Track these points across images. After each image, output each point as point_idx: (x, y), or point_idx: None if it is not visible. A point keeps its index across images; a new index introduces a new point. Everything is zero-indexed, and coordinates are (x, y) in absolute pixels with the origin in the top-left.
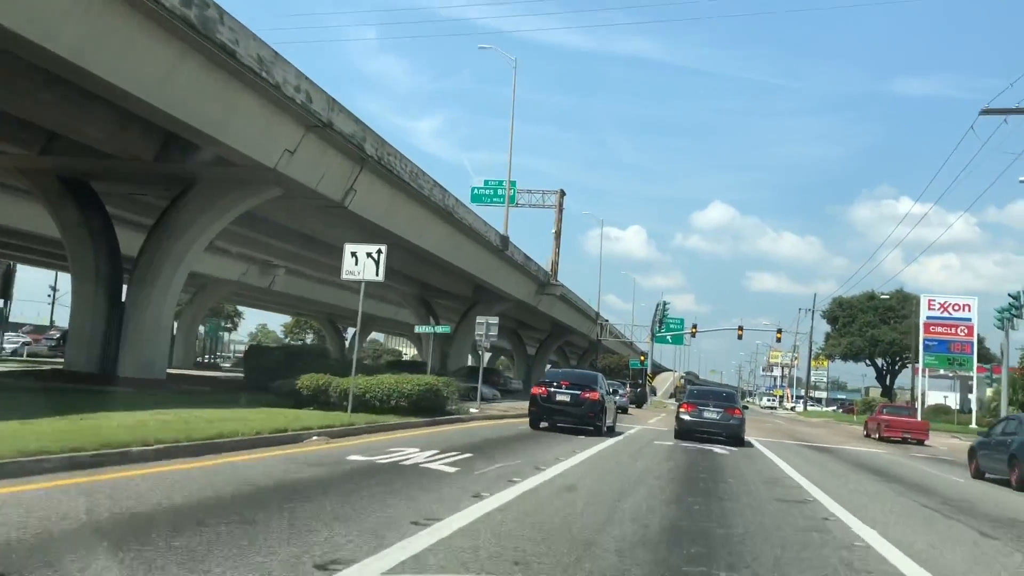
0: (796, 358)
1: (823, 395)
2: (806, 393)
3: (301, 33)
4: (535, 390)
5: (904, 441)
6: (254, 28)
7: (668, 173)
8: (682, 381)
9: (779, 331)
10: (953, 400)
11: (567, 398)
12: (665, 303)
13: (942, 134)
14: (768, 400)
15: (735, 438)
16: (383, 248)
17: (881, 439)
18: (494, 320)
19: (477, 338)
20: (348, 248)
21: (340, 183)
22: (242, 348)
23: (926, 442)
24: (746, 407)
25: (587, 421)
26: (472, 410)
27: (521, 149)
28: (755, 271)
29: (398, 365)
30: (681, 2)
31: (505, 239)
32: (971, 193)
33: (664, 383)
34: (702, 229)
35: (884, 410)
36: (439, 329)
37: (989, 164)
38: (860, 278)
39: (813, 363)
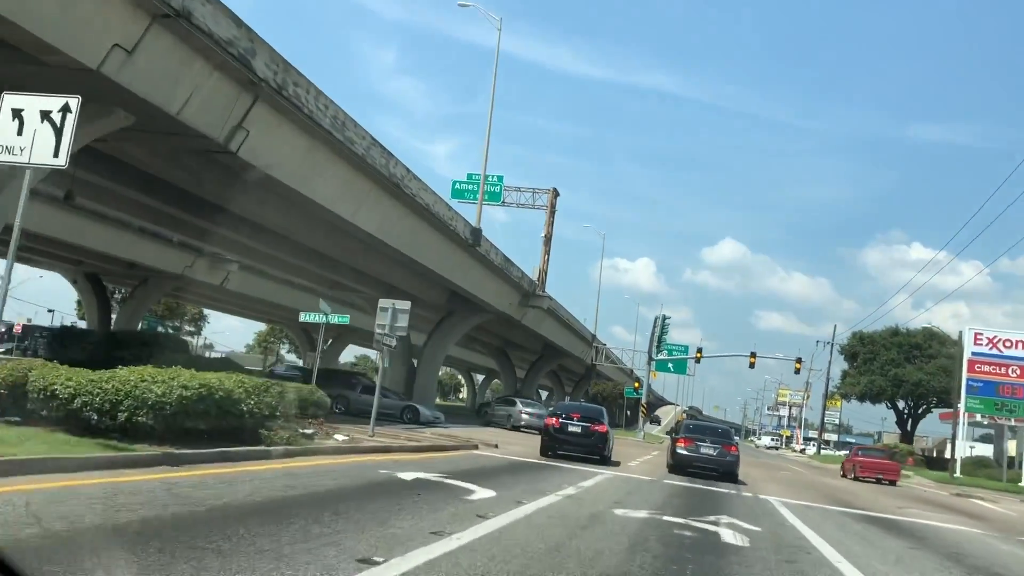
0: (808, 396)
1: (832, 437)
2: (820, 435)
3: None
4: (548, 421)
5: (878, 482)
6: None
7: (680, 207)
8: (684, 416)
9: (798, 360)
10: (980, 450)
11: (578, 429)
12: (665, 318)
13: (958, 182)
14: (771, 440)
15: (730, 475)
16: None
17: (856, 479)
18: (404, 305)
19: (377, 332)
20: None
21: (220, 115)
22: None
23: (898, 483)
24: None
25: (596, 452)
26: (338, 437)
27: (533, 175)
28: (763, 309)
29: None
30: (701, 38)
31: (477, 232)
32: (984, 241)
33: (666, 416)
34: (712, 265)
35: (859, 452)
36: (334, 318)
37: (1007, 212)
38: (869, 323)
39: (828, 403)
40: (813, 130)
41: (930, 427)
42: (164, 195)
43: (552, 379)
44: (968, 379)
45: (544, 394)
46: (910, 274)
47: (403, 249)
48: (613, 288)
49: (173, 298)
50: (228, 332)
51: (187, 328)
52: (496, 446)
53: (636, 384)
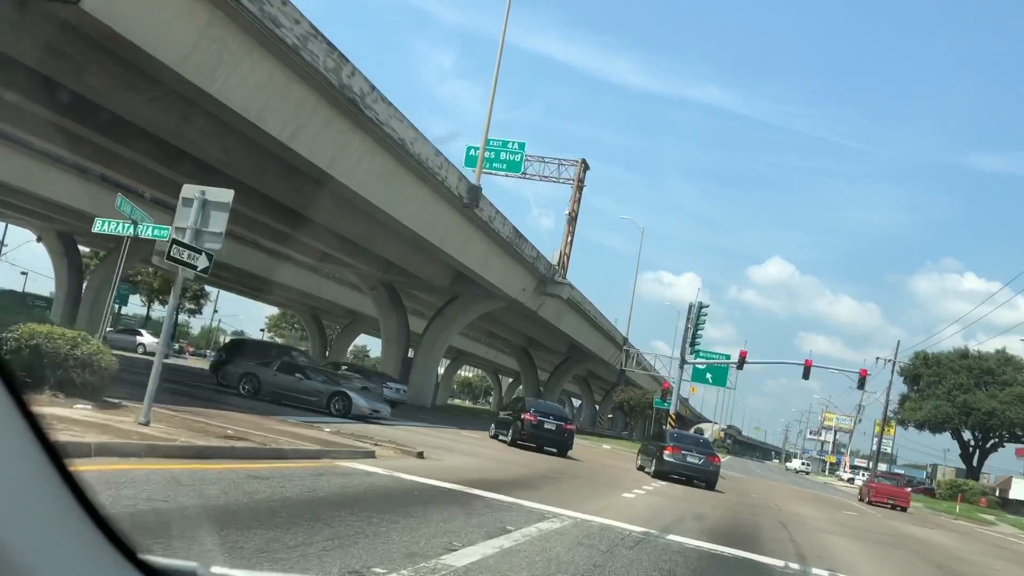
0: (860, 420)
1: (881, 467)
2: (875, 463)
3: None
4: (526, 416)
5: (893, 508)
6: None
7: (730, 224)
8: (722, 434)
9: (863, 371)
10: None
11: (553, 427)
12: (702, 306)
13: (1015, 212)
14: (801, 463)
15: (710, 482)
16: None
17: (870, 503)
18: (221, 196)
19: (173, 234)
20: None
21: None
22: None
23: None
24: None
25: (565, 446)
26: (77, 413)
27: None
28: (809, 332)
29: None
30: (760, 56)
31: (475, 190)
32: None
33: (702, 434)
34: (758, 284)
35: (875, 479)
36: (143, 230)
37: None
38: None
39: (877, 429)
40: (869, 153)
41: (1000, 463)
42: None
43: (582, 386)
44: None
45: (576, 403)
46: (962, 304)
47: (370, 197)
48: (656, 301)
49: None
50: (243, 316)
51: (188, 306)
52: (420, 455)
53: (665, 384)
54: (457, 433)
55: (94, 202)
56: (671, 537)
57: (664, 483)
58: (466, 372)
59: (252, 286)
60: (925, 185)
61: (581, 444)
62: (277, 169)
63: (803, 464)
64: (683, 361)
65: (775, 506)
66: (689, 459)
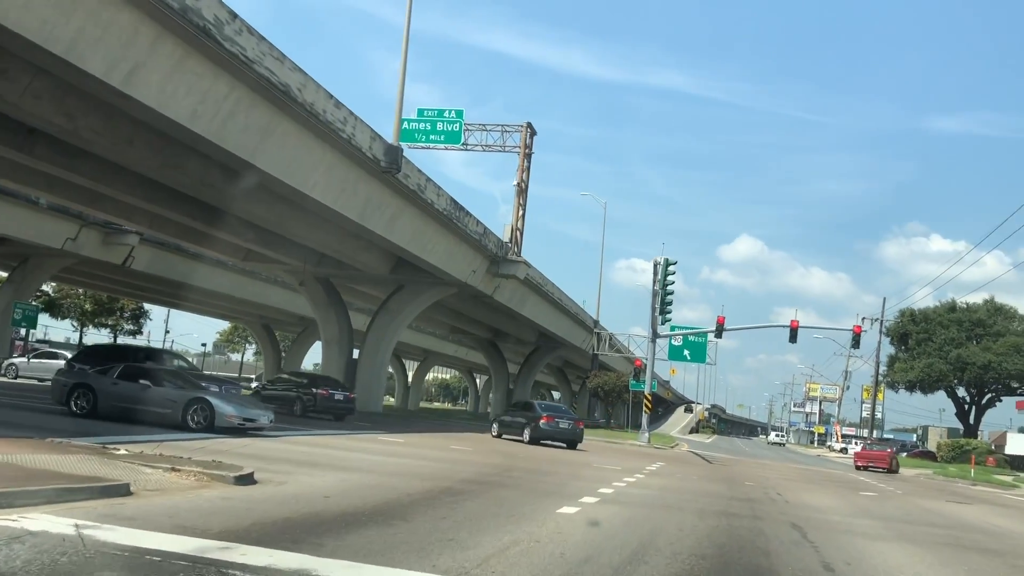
0: (848, 387)
1: (866, 434)
2: (871, 431)
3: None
4: (543, 418)
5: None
6: None
7: (697, 206)
8: (706, 414)
9: (857, 328)
10: None
11: (567, 425)
12: (668, 263)
13: (974, 172)
14: (776, 435)
15: (573, 443)
16: None
17: (857, 468)
18: None
19: None
20: None
21: None
22: None
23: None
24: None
25: (576, 440)
26: None
27: (545, 179)
28: (783, 306)
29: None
30: (714, 36)
31: (394, 151)
32: (1006, 231)
33: (685, 416)
34: (730, 263)
35: (867, 447)
36: None
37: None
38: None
39: (865, 394)
40: (829, 125)
41: (992, 419)
42: None
43: (557, 376)
44: None
45: (556, 395)
46: (931, 266)
47: (258, 162)
48: (630, 288)
49: (85, 285)
50: (196, 334)
51: (126, 327)
52: (244, 479)
53: (636, 364)
54: (357, 437)
55: None
56: None
57: (629, 480)
58: (442, 373)
59: (192, 299)
60: (886, 152)
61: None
62: (143, 138)
63: (778, 436)
64: (655, 334)
65: (778, 496)
66: (561, 424)
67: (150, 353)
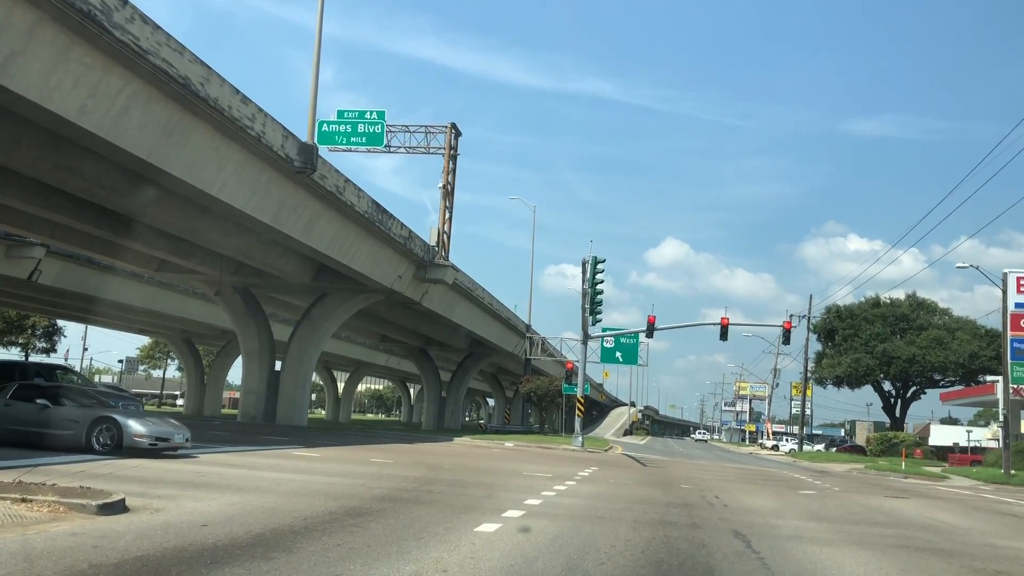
0: (777, 384)
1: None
2: (801, 427)
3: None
4: None
5: None
6: None
7: (623, 211)
8: (639, 416)
9: (787, 324)
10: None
11: None
12: (596, 261)
13: (889, 173)
14: (700, 434)
15: None
16: None
17: None
18: None
19: None
20: None
21: None
22: None
23: None
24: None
25: None
26: None
27: (475, 187)
28: (710, 307)
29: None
30: (636, 44)
31: (309, 150)
32: (921, 230)
33: (619, 418)
34: (657, 267)
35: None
36: None
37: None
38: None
39: (795, 391)
40: (749, 130)
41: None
42: None
43: (491, 383)
44: (1013, 340)
45: (491, 402)
46: (849, 265)
47: (159, 163)
48: (561, 294)
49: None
50: (115, 351)
51: (39, 344)
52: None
53: (567, 366)
54: (267, 454)
55: None
56: None
57: (559, 489)
58: (375, 384)
59: (107, 314)
60: (804, 155)
61: (476, 447)
62: (32, 139)
63: (701, 434)
64: (586, 336)
65: (716, 500)
66: None
67: (41, 369)
